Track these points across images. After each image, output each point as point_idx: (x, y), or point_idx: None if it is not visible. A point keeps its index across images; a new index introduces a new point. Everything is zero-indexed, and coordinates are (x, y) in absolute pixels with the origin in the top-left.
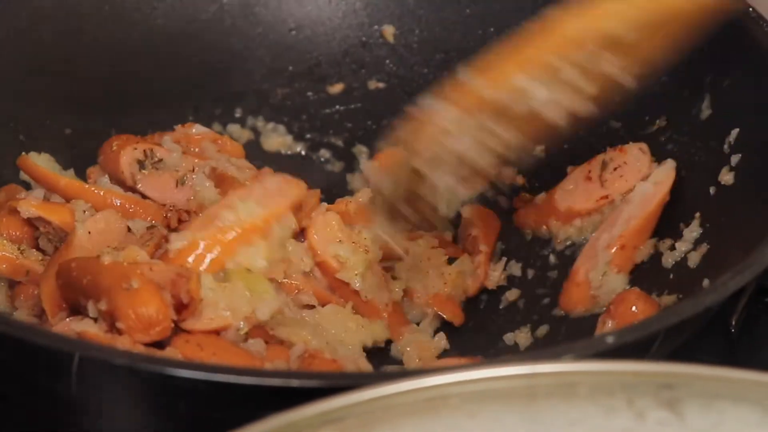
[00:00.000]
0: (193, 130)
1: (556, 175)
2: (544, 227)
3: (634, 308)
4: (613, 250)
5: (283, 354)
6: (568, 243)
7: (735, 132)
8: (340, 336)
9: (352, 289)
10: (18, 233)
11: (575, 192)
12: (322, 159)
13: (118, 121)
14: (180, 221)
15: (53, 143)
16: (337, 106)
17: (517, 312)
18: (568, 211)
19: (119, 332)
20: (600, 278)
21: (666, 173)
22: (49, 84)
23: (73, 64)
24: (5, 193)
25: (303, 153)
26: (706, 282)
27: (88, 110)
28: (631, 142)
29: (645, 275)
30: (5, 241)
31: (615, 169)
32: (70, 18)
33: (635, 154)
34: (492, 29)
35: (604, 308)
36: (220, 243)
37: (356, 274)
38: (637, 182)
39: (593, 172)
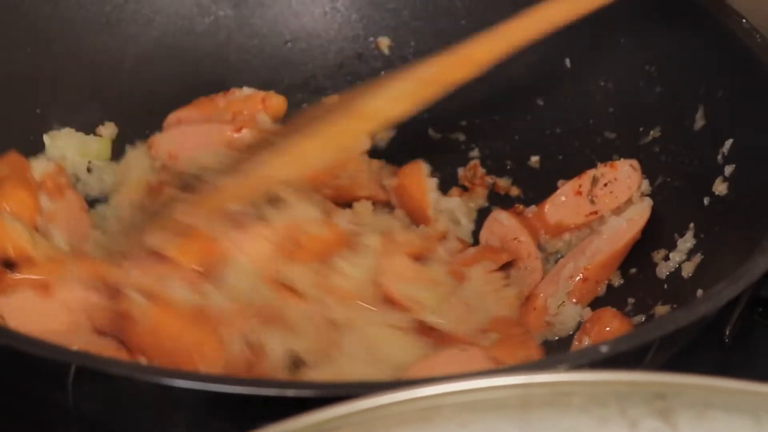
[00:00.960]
0: (241, 93)
1: (550, 186)
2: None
3: (608, 328)
4: (575, 281)
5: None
6: (559, 256)
7: (729, 142)
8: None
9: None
10: (18, 206)
11: (565, 206)
12: None
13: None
14: None
15: None
16: None
17: None
18: (557, 225)
19: None
20: (557, 307)
21: (641, 212)
22: (41, 97)
23: (67, 75)
24: (7, 163)
25: None
26: (700, 292)
27: (79, 120)
28: (622, 158)
29: (639, 286)
30: (21, 226)
31: (605, 185)
32: (65, 30)
33: (626, 170)
34: None
35: (557, 337)
36: None
37: (433, 312)
38: (626, 198)
39: (583, 186)
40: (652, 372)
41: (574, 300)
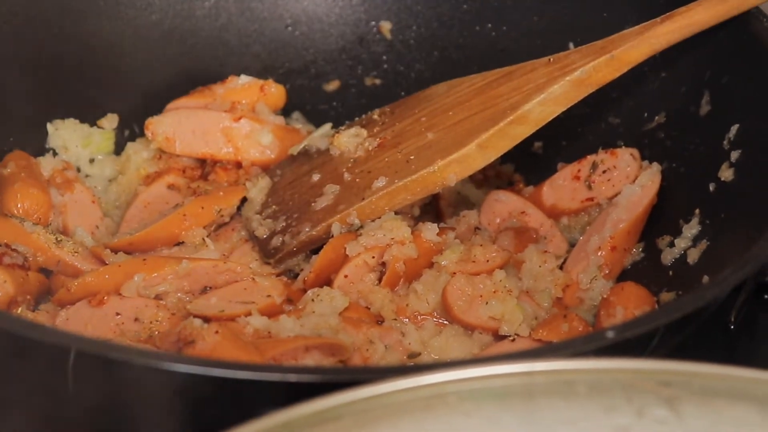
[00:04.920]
0: (239, 81)
1: (552, 172)
2: None
3: (631, 299)
4: (604, 253)
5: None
6: None
7: (735, 128)
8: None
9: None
10: (32, 203)
11: (562, 190)
12: None
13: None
14: None
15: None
16: (334, 103)
17: None
18: (552, 208)
19: None
20: (589, 282)
21: (652, 177)
22: (41, 79)
23: (67, 58)
24: (14, 161)
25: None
26: (705, 278)
27: (79, 105)
28: (624, 146)
29: (644, 272)
30: (42, 230)
31: (604, 172)
32: (65, 14)
33: (626, 159)
34: (489, 25)
35: (586, 312)
36: None
37: (521, 324)
38: (623, 188)
39: (582, 171)
40: (657, 359)
41: (607, 271)
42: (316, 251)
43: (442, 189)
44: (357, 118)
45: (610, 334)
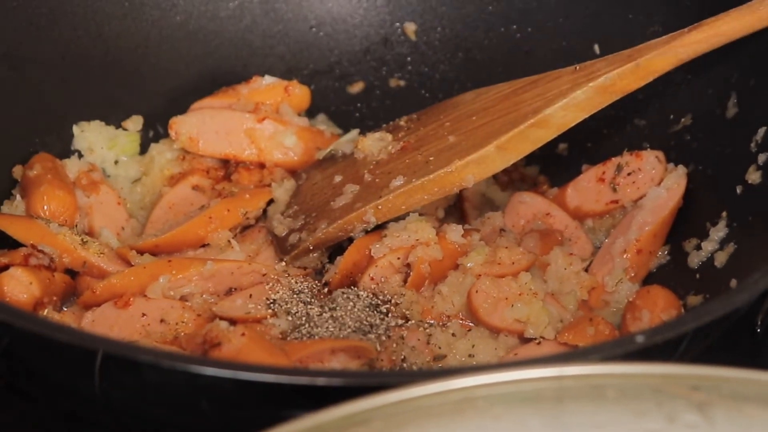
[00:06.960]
0: (264, 82)
1: (577, 174)
2: None
3: (658, 303)
4: (630, 256)
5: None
6: None
7: (762, 130)
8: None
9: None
10: (58, 205)
11: (586, 192)
12: None
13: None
14: None
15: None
16: (358, 104)
17: None
18: (576, 210)
19: None
20: (615, 284)
21: (677, 179)
22: (67, 81)
23: (92, 60)
24: (40, 163)
25: None
26: (733, 282)
27: (104, 107)
28: (649, 148)
29: (670, 275)
30: (68, 231)
31: (629, 174)
32: (90, 15)
33: (651, 161)
34: (514, 27)
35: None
36: None
37: (546, 327)
38: (648, 191)
39: (607, 174)
40: (687, 364)
41: (632, 274)
42: (332, 249)
43: (460, 190)
44: (382, 122)
45: (640, 339)
